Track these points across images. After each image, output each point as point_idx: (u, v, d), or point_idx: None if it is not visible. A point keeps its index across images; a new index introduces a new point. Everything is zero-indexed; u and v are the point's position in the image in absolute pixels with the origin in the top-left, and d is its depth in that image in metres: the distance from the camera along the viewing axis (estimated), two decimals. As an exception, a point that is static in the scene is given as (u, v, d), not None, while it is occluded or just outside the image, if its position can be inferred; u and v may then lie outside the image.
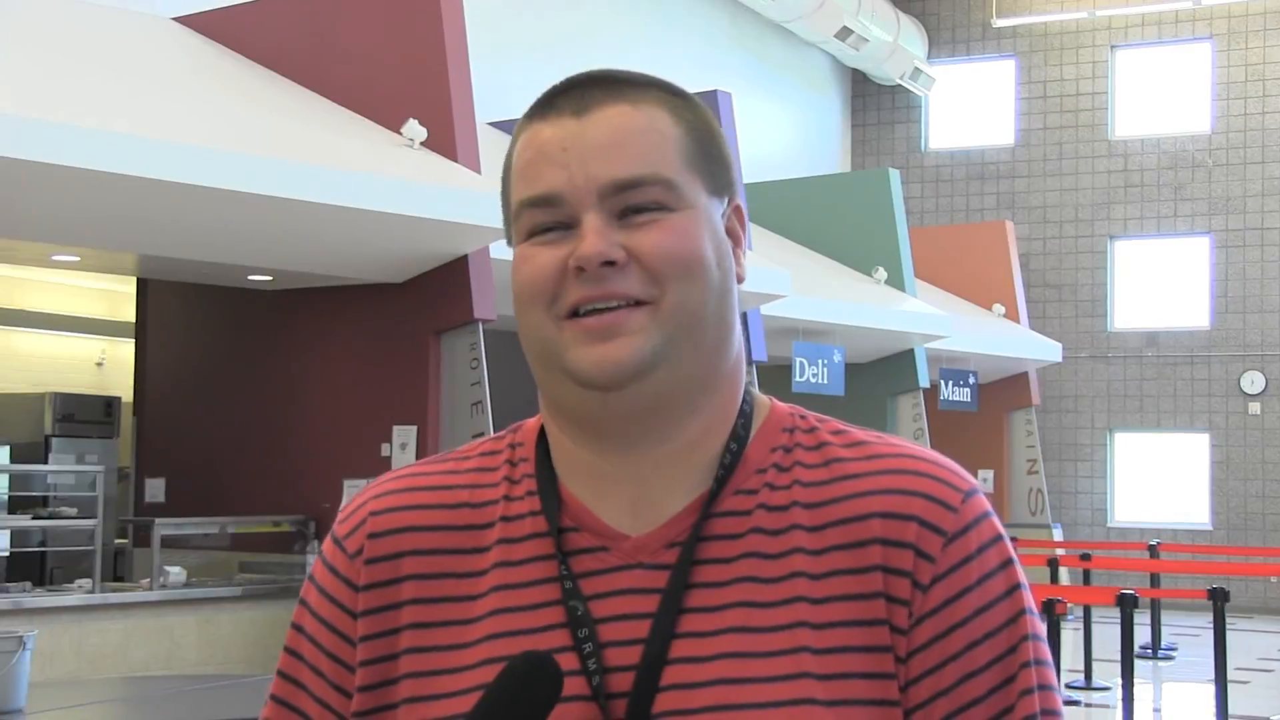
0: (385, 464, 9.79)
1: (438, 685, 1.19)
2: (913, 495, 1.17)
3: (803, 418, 1.25)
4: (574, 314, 1.16)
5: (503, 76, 13.18)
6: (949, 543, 1.16)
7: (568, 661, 1.14)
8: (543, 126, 1.20)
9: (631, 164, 1.17)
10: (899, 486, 1.18)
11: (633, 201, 1.16)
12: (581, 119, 1.18)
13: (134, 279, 11.70)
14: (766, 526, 1.18)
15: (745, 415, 1.23)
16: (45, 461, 12.02)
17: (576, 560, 1.19)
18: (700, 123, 1.23)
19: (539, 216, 1.18)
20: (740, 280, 1.23)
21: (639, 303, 1.16)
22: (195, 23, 10.54)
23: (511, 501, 1.23)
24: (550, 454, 1.24)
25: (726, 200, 1.23)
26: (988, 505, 1.20)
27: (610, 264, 1.15)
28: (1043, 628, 1.21)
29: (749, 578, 1.16)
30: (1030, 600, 1.19)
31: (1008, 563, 1.18)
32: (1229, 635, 9.16)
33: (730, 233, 1.23)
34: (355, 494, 1.30)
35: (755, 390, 1.27)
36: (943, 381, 16.19)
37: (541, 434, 1.26)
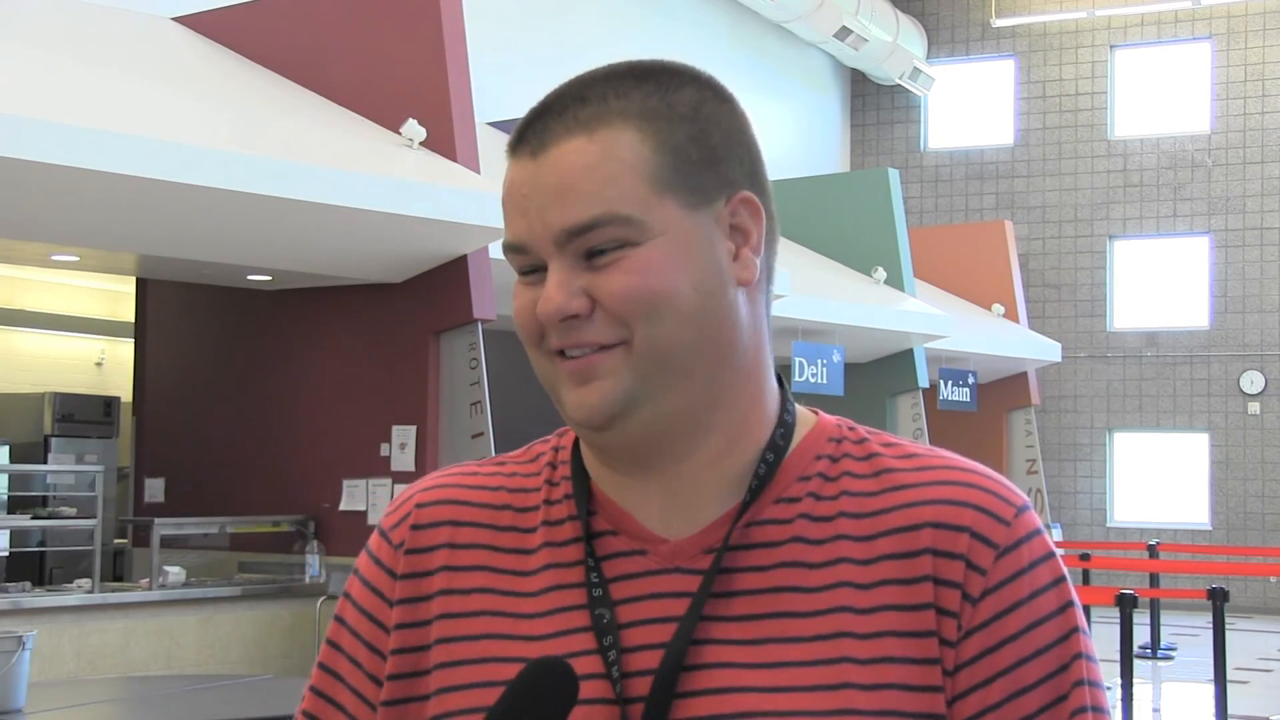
0: (384, 464, 9.79)
1: (466, 675, 1.20)
2: (965, 506, 1.15)
3: (851, 429, 1.23)
4: (561, 352, 1.16)
5: (502, 76, 13.18)
6: (1000, 556, 1.14)
7: (593, 665, 1.14)
8: (513, 165, 1.18)
9: (582, 207, 1.13)
10: (951, 498, 1.16)
11: (591, 244, 1.13)
12: (538, 159, 1.15)
13: (133, 279, 11.69)
14: (809, 536, 1.17)
15: (786, 425, 1.21)
16: (45, 461, 12.02)
17: (613, 563, 1.19)
18: (680, 126, 1.16)
19: (519, 260, 1.18)
20: (743, 284, 1.17)
21: (613, 345, 1.15)
22: (195, 23, 10.54)
23: (553, 505, 1.24)
24: (584, 459, 1.25)
25: (725, 199, 1.17)
26: (1039, 522, 1.18)
27: (574, 316, 1.14)
28: (1094, 648, 1.18)
29: (788, 587, 1.15)
30: (1082, 619, 1.17)
31: (1060, 580, 1.17)
32: (1228, 635, 9.16)
33: (737, 230, 1.18)
34: (403, 489, 1.32)
35: (797, 404, 1.24)
36: (942, 381, 16.19)
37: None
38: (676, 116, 1.16)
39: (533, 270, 1.17)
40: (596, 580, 1.18)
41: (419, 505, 1.27)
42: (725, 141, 1.18)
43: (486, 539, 1.24)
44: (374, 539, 1.29)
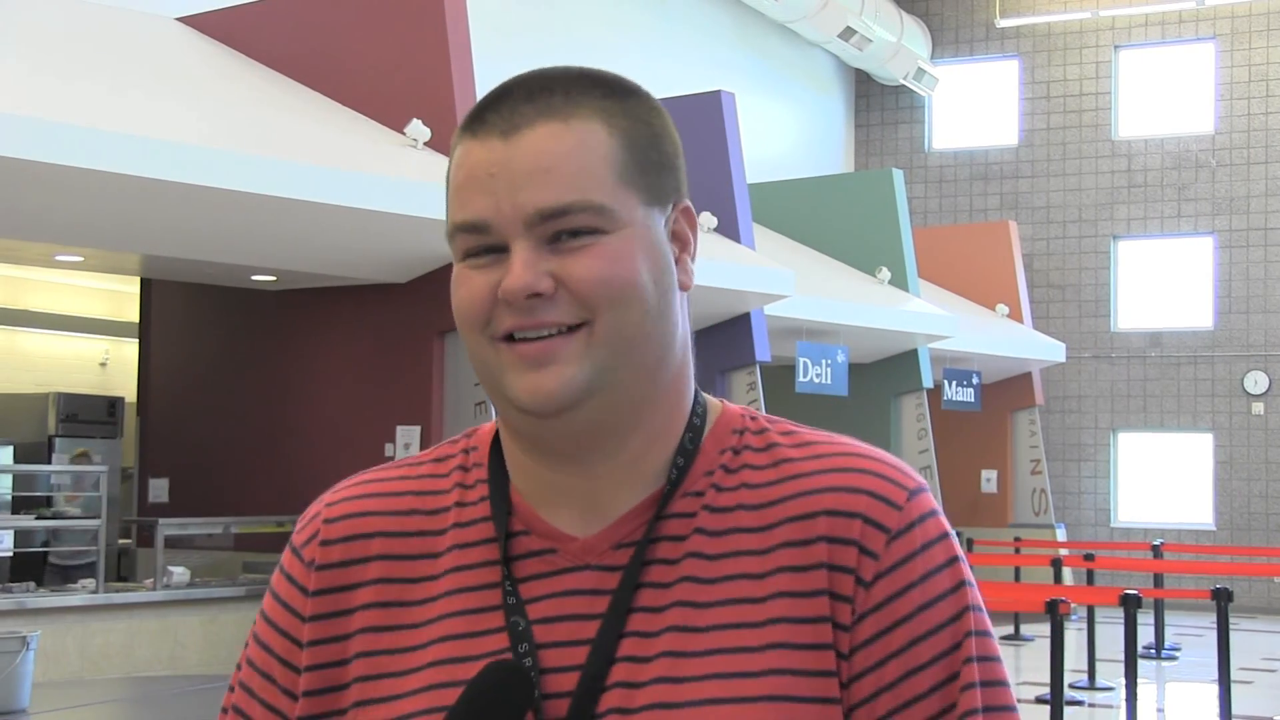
0: (388, 464, 9.79)
1: (387, 688, 1.20)
2: (858, 493, 1.18)
3: (753, 419, 1.25)
4: (510, 337, 1.16)
5: (506, 76, 13.15)
6: (892, 539, 1.16)
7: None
8: (473, 146, 1.18)
9: (558, 191, 1.14)
10: (845, 484, 1.18)
11: (562, 227, 1.14)
12: (509, 141, 1.16)
13: (137, 279, 11.71)
14: (709, 528, 1.19)
15: (695, 429, 1.23)
16: (48, 461, 12.03)
17: (524, 564, 1.20)
18: (639, 128, 1.19)
19: (470, 241, 1.17)
20: (685, 288, 1.21)
21: (573, 327, 1.15)
22: (198, 23, 10.55)
23: (465, 507, 1.24)
24: (504, 459, 1.25)
25: (671, 205, 1.21)
26: (934, 504, 1.20)
27: (537, 295, 1.14)
28: (989, 623, 1.21)
29: (690, 578, 1.17)
30: (976, 597, 1.19)
31: (953, 560, 1.19)
32: (1232, 635, 9.15)
33: (677, 237, 1.21)
34: (313, 502, 1.30)
35: (706, 395, 1.27)
36: (946, 382, 16.18)
37: (496, 438, 1.26)
38: (635, 119, 1.20)
39: (484, 252, 1.17)
40: (511, 588, 1.19)
41: (326, 521, 1.26)
42: (671, 151, 1.22)
43: (400, 548, 1.23)
44: (286, 555, 1.28)
